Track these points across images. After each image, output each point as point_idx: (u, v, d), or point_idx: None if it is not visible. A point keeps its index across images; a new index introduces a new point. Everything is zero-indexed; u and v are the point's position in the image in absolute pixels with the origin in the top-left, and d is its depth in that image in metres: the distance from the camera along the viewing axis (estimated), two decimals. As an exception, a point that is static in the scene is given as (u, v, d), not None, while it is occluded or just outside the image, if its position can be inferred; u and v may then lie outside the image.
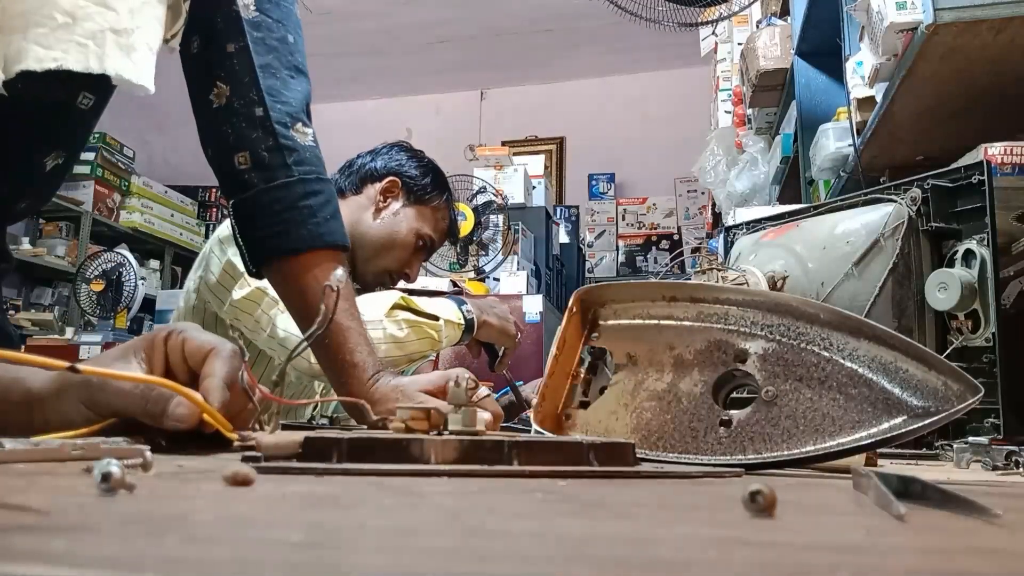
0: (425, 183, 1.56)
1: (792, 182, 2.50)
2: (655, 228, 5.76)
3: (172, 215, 5.12)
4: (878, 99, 1.50)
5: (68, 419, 0.53)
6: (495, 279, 3.00)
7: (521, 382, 1.41)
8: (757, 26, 2.77)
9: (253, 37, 0.94)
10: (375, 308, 1.29)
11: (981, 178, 0.95)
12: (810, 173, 2.10)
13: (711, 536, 0.28)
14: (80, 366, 0.46)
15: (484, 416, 0.51)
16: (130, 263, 3.90)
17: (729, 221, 2.35)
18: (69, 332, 3.94)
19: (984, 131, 1.23)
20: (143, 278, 4.08)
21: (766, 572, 0.21)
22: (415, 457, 0.44)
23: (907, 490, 0.36)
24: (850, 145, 1.71)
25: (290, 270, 0.96)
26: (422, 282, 2.42)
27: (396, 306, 1.33)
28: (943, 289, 0.93)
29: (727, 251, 1.34)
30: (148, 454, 0.40)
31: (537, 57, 5.81)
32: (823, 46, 2.20)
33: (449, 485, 0.40)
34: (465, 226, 2.90)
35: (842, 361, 0.60)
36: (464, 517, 0.30)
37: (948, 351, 0.93)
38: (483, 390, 0.77)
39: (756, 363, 0.63)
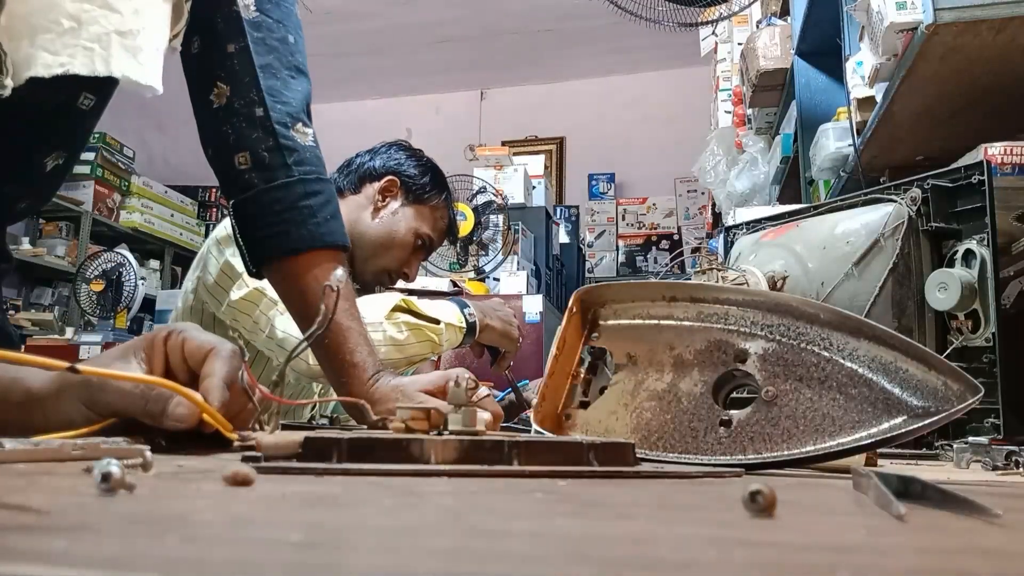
0: (424, 182, 1.56)
1: (792, 182, 2.50)
2: (655, 228, 5.76)
3: (172, 215, 5.13)
4: (878, 99, 1.50)
5: (68, 419, 0.53)
6: (495, 279, 3.00)
7: (527, 381, 1.41)
8: (757, 26, 2.77)
9: (253, 37, 0.94)
10: (375, 310, 1.29)
11: (981, 178, 0.95)
12: (810, 173, 2.10)
13: (711, 536, 0.28)
14: (80, 366, 0.46)
15: (484, 416, 0.51)
16: (130, 263, 3.90)
17: (729, 221, 2.35)
18: (69, 332, 3.94)
19: (984, 131, 1.23)
20: (143, 278, 4.08)
21: (766, 572, 0.21)
22: (415, 457, 0.44)
23: (907, 490, 0.36)
24: (850, 145, 1.71)
25: (290, 270, 0.96)
26: (422, 282, 2.42)
27: (397, 308, 1.33)
28: (943, 289, 0.93)
29: (727, 251, 1.34)
30: (148, 454, 0.40)
31: (537, 57, 5.81)
32: (823, 46, 2.20)
33: (449, 485, 0.40)
34: (465, 226, 2.90)
35: (842, 361, 0.60)
36: (464, 517, 0.30)
37: (948, 351, 0.93)
38: (483, 390, 0.77)
39: (756, 363, 0.64)
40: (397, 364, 1.32)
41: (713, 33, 3.31)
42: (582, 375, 0.75)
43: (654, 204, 5.78)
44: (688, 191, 5.70)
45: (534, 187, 3.59)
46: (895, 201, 1.00)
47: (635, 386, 0.69)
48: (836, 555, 0.25)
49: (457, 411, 0.49)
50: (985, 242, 0.93)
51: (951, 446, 0.77)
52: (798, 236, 1.12)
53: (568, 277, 4.13)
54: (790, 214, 1.23)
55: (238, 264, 1.34)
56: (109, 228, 4.66)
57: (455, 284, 2.55)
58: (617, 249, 5.74)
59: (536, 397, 0.74)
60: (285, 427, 0.81)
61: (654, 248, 5.71)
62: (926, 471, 0.64)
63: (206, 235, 5.29)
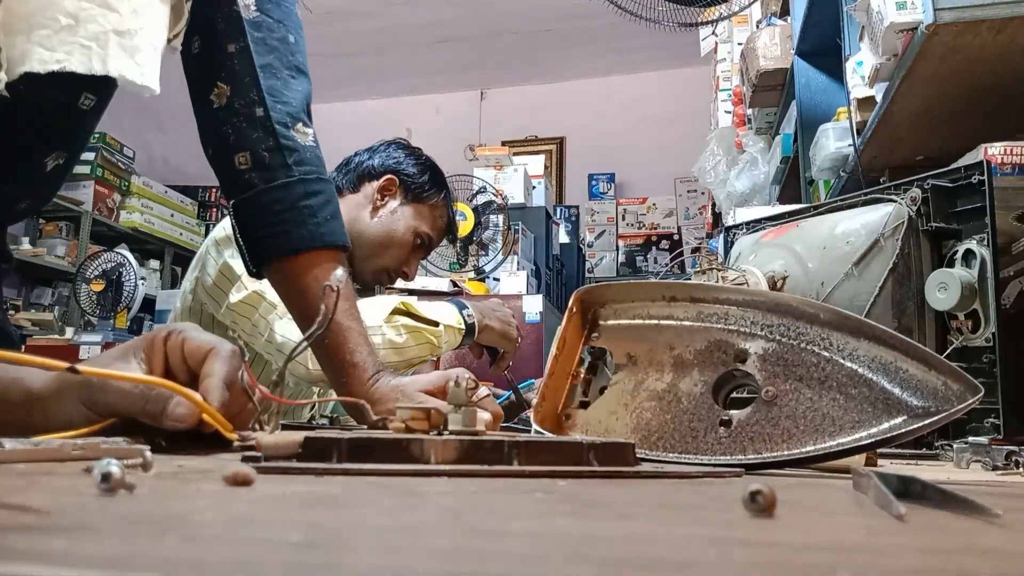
0: (423, 181, 1.55)
1: (792, 182, 2.50)
2: (655, 228, 5.76)
3: (172, 215, 5.13)
4: (878, 99, 1.50)
5: (68, 419, 0.53)
6: (495, 279, 3.00)
7: (532, 381, 1.41)
8: (757, 26, 2.77)
9: (254, 37, 0.94)
10: (374, 314, 1.28)
11: (981, 178, 0.95)
12: (810, 173, 2.10)
13: (711, 536, 0.28)
14: (79, 367, 0.46)
15: (484, 416, 0.51)
16: (130, 263, 3.90)
17: (729, 221, 2.35)
18: (69, 332, 3.94)
19: (984, 131, 1.23)
20: (143, 278, 4.08)
21: (766, 572, 0.21)
22: (415, 457, 0.44)
23: (907, 490, 0.36)
24: (850, 145, 1.71)
25: (290, 270, 0.96)
26: (422, 282, 2.42)
27: (396, 311, 1.32)
28: (943, 289, 0.93)
29: (727, 251, 1.34)
30: (148, 454, 0.40)
31: (537, 57, 5.81)
32: (823, 46, 2.20)
33: (449, 485, 0.40)
34: (465, 226, 2.90)
35: (842, 361, 0.60)
36: (464, 517, 0.30)
37: (948, 351, 0.93)
38: (483, 390, 0.77)
39: (756, 363, 0.64)
40: (396, 367, 1.32)
41: (713, 33, 3.31)
42: (582, 375, 0.75)
43: (654, 204, 5.78)
44: (688, 191, 5.70)
45: (534, 187, 3.59)
46: (895, 201, 1.00)
47: (635, 386, 0.69)
48: (836, 555, 0.25)
49: (457, 411, 0.49)
50: (985, 242, 0.93)
51: (951, 446, 0.77)
52: (798, 236, 1.12)
53: (568, 277, 4.13)
54: (790, 214, 1.23)
55: (237, 266, 1.34)
56: (109, 228, 4.66)
57: (455, 284, 2.55)
58: (617, 249, 5.74)
59: (535, 397, 0.74)
60: (285, 427, 0.81)
61: (654, 248, 5.71)
62: (926, 471, 0.64)
63: (206, 235, 5.26)
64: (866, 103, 1.63)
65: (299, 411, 1.53)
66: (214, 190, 5.45)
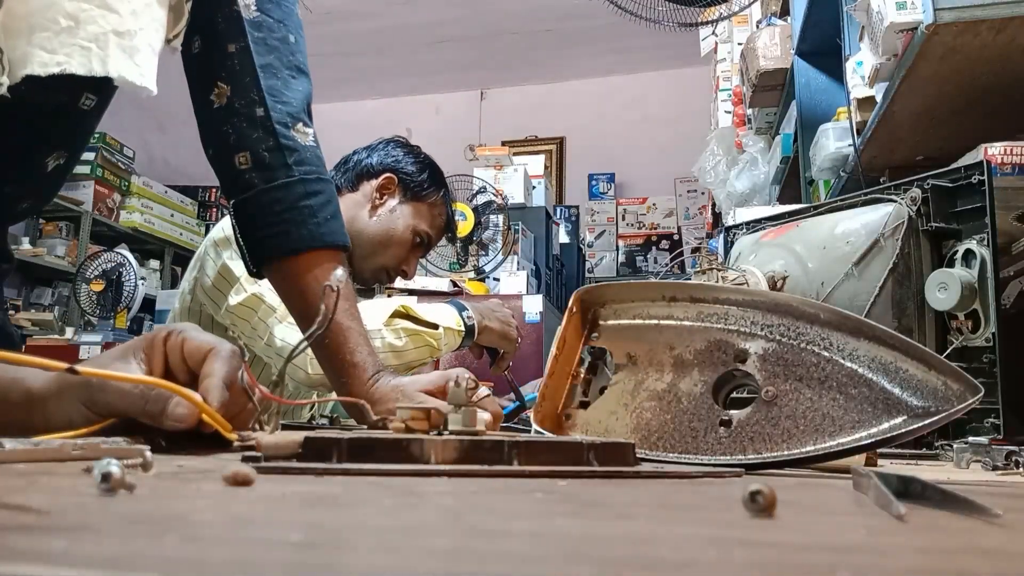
0: (422, 179, 1.55)
1: (792, 182, 2.50)
2: (655, 228, 5.76)
3: (172, 215, 5.13)
4: (878, 99, 1.50)
5: (68, 419, 0.53)
6: (495, 279, 3.00)
7: (534, 395, 1.41)
8: (757, 26, 2.77)
9: (254, 37, 0.94)
10: (374, 317, 1.28)
11: (981, 178, 0.95)
12: (810, 173, 2.10)
13: (711, 536, 0.28)
14: (79, 367, 0.46)
15: (484, 416, 0.51)
16: (130, 263, 3.90)
17: (729, 221, 2.35)
18: (69, 332, 3.94)
19: (984, 131, 1.23)
20: (143, 278, 4.08)
21: (766, 572, 0.21)
22: (415, 457, 0.44)
23: (907, 490, 0.36)
24: (850, 145, 1.71)
25: (290, 270, 0.96)
26: (422, 282, 2.42)
27: (395, 314, 1.32)
28: (943, 289, 0.93)
29: (727, 251, 1.34)
30: (148, 454, 0.40)
31: (537, 57, 5.81)
32: (823, 46, 2.20)
33: (449, 485, 0.40)
34: (465, 226, 2.90)
35: (842, 361, 0.60)
36: (464, 517, 0.30)
37: (948, 351, 0.93)
38: (483, 390, 0.77)
39: (756, 363, 0.64)
40: (396, 371, 1.32)
41: (713, 33, 3.31)
42: (582, 375, 0.75)
43: (654, 204, 5.78)
44: (688, 191, 5.70)
45: (534, 187, 3.59)
46: (895, 201, 1.00)
47: (635, 386, 0.69)
48: (836, 555, 0.25)
49: (457, 411, 0.49)
50: (985, 242, 0.93)
51: (951, 446, 0.77)
52: (798, 236, 1.12)
53: (568, 277, 4.13)
54: (790, 214, 1.23)
55: (236, 267, 1.33)
56: (109, 228, 4.66)
57: (455, 284, 2.55)
58: (617, 249, 5.74)
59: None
60: (285, 427, 0.81)
61: (654, 248, 5.71)
62: (926, 471, 0.64)
63: (206, 235, 5.26)
64: (866, 103, 1.63)
65: (299, 411, 1.53)
66: (214, 190, 5.45)
